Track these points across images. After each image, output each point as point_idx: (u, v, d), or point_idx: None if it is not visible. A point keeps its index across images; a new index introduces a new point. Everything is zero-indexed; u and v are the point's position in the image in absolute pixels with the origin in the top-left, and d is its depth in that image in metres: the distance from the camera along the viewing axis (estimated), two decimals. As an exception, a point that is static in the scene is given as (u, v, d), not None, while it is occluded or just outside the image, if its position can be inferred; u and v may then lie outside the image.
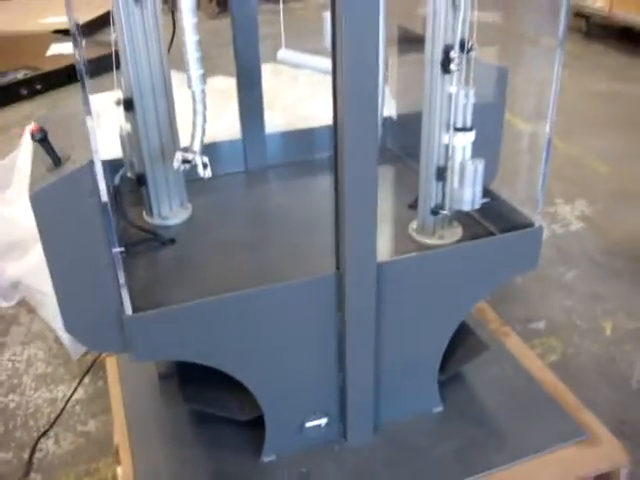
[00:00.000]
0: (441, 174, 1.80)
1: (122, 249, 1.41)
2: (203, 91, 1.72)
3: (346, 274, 1.54)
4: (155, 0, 1.78)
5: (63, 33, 6.60)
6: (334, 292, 1.58)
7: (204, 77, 1.70)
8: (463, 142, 1.73)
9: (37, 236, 1.34)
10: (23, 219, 2.62)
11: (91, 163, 1.29)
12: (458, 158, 1.75)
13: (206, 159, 1.72)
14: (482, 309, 2.37)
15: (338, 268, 1.57)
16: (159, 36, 1.83)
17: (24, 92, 5.14)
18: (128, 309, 1.43)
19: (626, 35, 6.30)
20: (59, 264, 1.36)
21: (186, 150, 1.73)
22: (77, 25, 1.19)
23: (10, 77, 5.27)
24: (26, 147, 2.97)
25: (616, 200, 3.41)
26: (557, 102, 1.59)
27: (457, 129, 1.73)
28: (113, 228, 1.36)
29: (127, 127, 1.89)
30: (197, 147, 1.74)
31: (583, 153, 3.93)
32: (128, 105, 1.81)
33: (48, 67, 5.49)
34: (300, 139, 2.36)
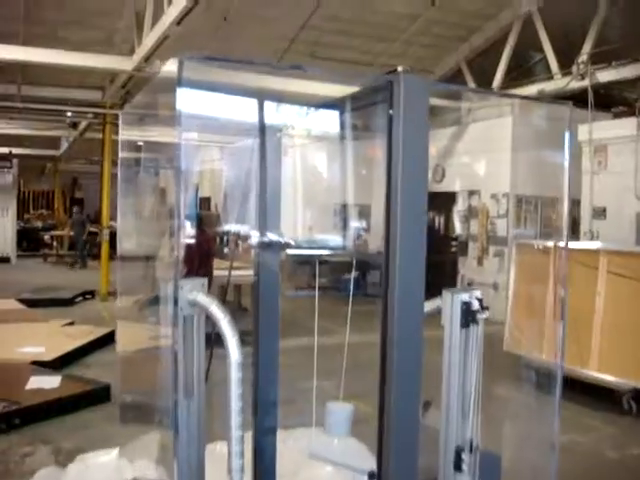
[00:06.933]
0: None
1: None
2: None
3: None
4: (202, 395, 2.10)
5: (41, 365, 6.81)
6: None
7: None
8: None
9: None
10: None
11: None
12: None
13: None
14: None
15: None
16: (200, 423, 2.11)
17: (2, 426, 5.18)
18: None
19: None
20: None
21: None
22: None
23: (-11, 413, 5.34)
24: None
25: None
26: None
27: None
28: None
29: None
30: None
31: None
32: None
33: (27, 401, 5.58)
34: None
